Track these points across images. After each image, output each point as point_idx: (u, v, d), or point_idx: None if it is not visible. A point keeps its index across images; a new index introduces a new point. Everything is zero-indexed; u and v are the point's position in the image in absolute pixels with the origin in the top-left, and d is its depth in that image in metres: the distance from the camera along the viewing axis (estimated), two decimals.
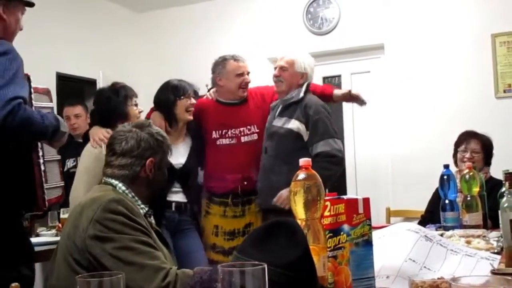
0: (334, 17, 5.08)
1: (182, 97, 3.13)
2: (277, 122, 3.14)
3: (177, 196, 3.14)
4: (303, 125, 3.06)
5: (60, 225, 3.48)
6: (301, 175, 1.29)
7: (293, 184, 1.29)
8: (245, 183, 3.23)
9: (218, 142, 3.29)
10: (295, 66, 3.16)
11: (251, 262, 0.84)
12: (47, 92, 2.41)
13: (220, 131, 3.29)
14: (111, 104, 2.92)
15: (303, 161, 1.31)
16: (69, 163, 4.12)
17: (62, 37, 4.89)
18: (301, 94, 3.12)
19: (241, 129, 3.28)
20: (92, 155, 2.79)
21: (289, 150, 2.99)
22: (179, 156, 3.13)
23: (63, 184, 2.39)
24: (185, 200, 3.16)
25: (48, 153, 2.29)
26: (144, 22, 5.92)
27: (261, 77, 4.32)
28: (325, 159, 2.98)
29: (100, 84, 5.21)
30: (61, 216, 3.53)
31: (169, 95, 3.14)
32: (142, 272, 1.58)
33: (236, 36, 5.34)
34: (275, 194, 2.97)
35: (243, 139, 3.27)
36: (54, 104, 2.56)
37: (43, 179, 2.25)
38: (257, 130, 3.28)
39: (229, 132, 3.28)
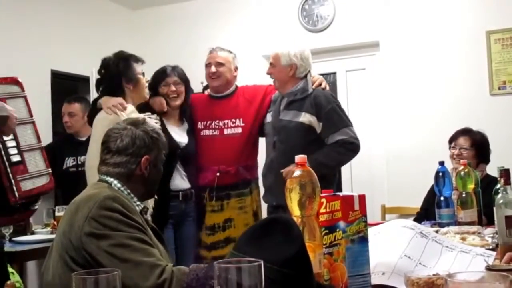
0: (329, 14, 5.08)
1: (161, 85, 3.18)
2: (285, 116, 3.11)
3: (182, 184, 3.15)
4: (314, 117, 3.04)
5: (55, 222, 3.47)
6: (297, 172, 1.29)
7: (288, 181, 1.29)
8: (218, 174, 3.19)
9: (202, 133, 3.30)
10: (281, 60, 3.15)
11: (247, 259, 0.84)
12: (15, 82, 2.33)
13: (204, 122, 3.30)
14: (119, 68, 2.89)
15: (299, 158, 1.31)
16: (69, 161, 4.10)
17: (56, 35, 4.87)
18: (310, 89, 3.10)
19: (225, 121, 3.28)
20: (106, 121, 2.66)
21: (301, 144, 2.96)
22: (179, 136, 3.17)
23: (50, 171, 2.32)
24: (189, 186, 3.18)
25: (24, 142, 2.22)
26: (138, 19, 5.90)
27: (256, 74, 4.32)
28: (344, 146, 3.01)
29: (93, 81, 5.19)
30: (56, 214, 3.52)
31: (152, 81, 3.18)
32: (138, 269, 1.58)
33: (231, 33, 5.33)
34: None
35: (226, 131, 3.27)
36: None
37: (9, 169, 2.15)
38: (242, 124, 3.27)
39: (213, 124, 3.29)
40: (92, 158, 2.69)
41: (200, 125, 3.30)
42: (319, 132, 3.06)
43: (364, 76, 5.08)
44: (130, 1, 5.73)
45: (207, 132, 3.29)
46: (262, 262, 0.82)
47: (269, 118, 3.26)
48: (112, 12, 5.69)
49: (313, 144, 3.01)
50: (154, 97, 3.16)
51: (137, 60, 2.94)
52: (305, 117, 3.05)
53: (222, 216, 3.23)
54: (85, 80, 5.20)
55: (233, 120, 3.27)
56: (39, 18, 4.64)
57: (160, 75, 3.20)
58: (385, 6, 4.86)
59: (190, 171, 3.23)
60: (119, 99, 2.80)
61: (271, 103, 3.31)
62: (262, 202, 3.35)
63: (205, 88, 3.96)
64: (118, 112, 2.69)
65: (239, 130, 3.26)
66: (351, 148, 3.05)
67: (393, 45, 4.84)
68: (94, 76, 5.17)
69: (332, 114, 3.04)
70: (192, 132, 3.30)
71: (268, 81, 3.36)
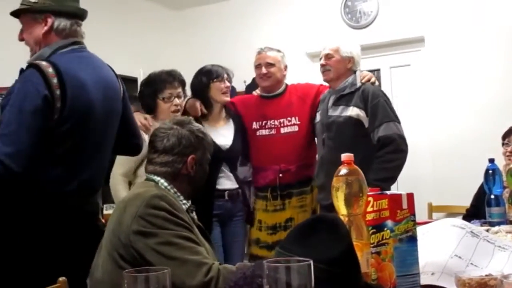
0: (372, 10, 5.02)
1: (215, 80, 3.17)
2: (333, 112, 3.09)
3: (228, 183, 3.15)
4: (362, 111, 3.01)
5: (103, 220, 3.54)
6: (343, 170, 1.29)
7: (335, 179, 1.29)
8: (281, 175, 3.19)
9: (258, 133, 3.31)
10: (341, 51, 3.13)
11: (297, 258, 0.84)
12: None
13: (260, 122, 3.30)
14: (141, 95, 3.05)
15: (345, 156, 1.30)
16: None
17: (102, 37, 4.95)
18: (358, 83, 3.09)
19: (281, 120, 3.27)
20: None
21: (351, 138, 2.94)
22: (221, 138, 3.14)
23: None
24: (236, 186, 3.18)
25: None
26: (181, 19, 5.96)
27: (299, 71, 4.31)
28: (386, 149, 2.92)
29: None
30: (105, 212, 3.59)
31: (202, 79, 3.19)
32: (185, 267, 1.60)
33: (274, 31, 5.32)
34: None
35: (282, 130, 3.26)
36: None
37: None
38: (298, 122, 3.26)
39: (269, 123, 3.28)
40: (116, 166, 2.88)
41: (255, 125, 3.31)
42: (367, 127, 3.02)
43: (409, 72, 4.99)
44: (172, 2, 5.80)
45: (264, 132, 3.29)
46: (311, 262, 0.81)
47: (318, 117, 3.24)
48: (154, 13, 5.77)
49: (362, 139, 2.96)
50: (189, 100, 3.17)
51: (162, 87, 2.95)
52: (353, 111, 3.02)
53: (284, 215, 3.22)
54: (133, 80, 5.30)
55: (289, 118, 3.26)
56: (84, 21, 4.73)
57: (212, 72, 3.20)
58: (430, 0, 4.76)
59: (239, 170, 3.25)
60: (143, 119, 2.83)
61: (319, 103, 3.29)
62: None
63: (248, 86, 3.98)
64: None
65: (296, 128, 3.25)
66: (395, 150, 2.95)
67: (438, 40, 4.74)
68: (141, 77, 5.27)
69: (378, 108, 2.99)
70: (243, 132, 3.30)
71: (313, 79, 3.34)
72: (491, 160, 2.58)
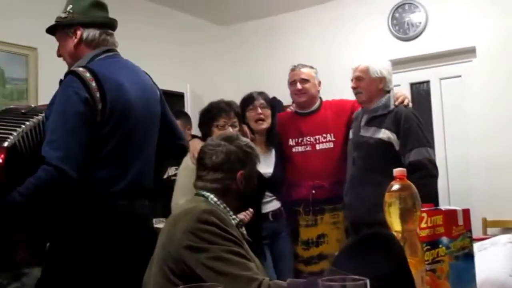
0: (420, 21, 4.94)
1: (248, 109, 3.23)
2: (365, 132, 3.08)
3: (271, 205, 3.18)
4: (394, 134, 2.97)
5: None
6: (396, 185, 1.26)
7: (387, 195, 1.26)
8: (313, 191, 3.20)
9: (294, 150, 3.34)
10: (370, 72, 3.09)
11: (352, 276, 0.83)
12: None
13: (296, 139, 3.34)
14: (199, 121, 3.10)
15: (398, 171, 1.27)
16: (171, 171, 4.22)
17: (149, 52, 5.04)
18: (392, 106, 3.04)
19: (317, 137, 3.30)
20: (189, 171, 2.78)
21: (380, 161, 2.91)
22: (263, 165, 3.12)
23: None
24: (279, 206, 3.21)
25: None
26: (228, 35, 6.02)
27: (346, 85, 4.27)
28: (416, 175, 2.76)
29: (188, 98, 5.36)
30: (155, 226, 3.64)
31: (241, 107, 3.24)
32: (235, 282, 1.59)
33: (321, 44, 5.31)
34: (366, 206, 2.84)
35: (318, 146, 3.29)
36: None
37: None
38: (333, 139, 3.28)
39: (305, 140, 3.32)
40: (176, 203, 2.89)
41: (291, 142, 3.35)
42: (398, 150, 2.98)
43: (460, 83, 4.88)
44: (219, 18, 5.87)
45: (300, 149, 3.33)
46: (367, 281, 0.80)
47: (350, 135, 3.25)
48: (201, 28, 5.83)
49: (392, 161, 2.81)
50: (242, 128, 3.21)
51: (216, 117, 2.98)
52: (385, 134, 2.99)
53: (315, 231, 3.24)
54: (179, 96, 5.38)
55: (324, 135, 3.29)
56: (130, 36, 4.81)
57: (247, 100, 3.27)
58: (481, 9, 4.65)
59: (279, 192, 3.26)
60: (197, 147, 2.85)
61: (353, 120, 3.29)
62: None
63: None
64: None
65: (331, 145, 3.28)
66: (426, 174, 2.86)
67: (490, 50, 4.61)
68: (188, 92, 5.35)
69: (410, 132, 2.94)
70: (281, 152, 3.32)
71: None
72: None
